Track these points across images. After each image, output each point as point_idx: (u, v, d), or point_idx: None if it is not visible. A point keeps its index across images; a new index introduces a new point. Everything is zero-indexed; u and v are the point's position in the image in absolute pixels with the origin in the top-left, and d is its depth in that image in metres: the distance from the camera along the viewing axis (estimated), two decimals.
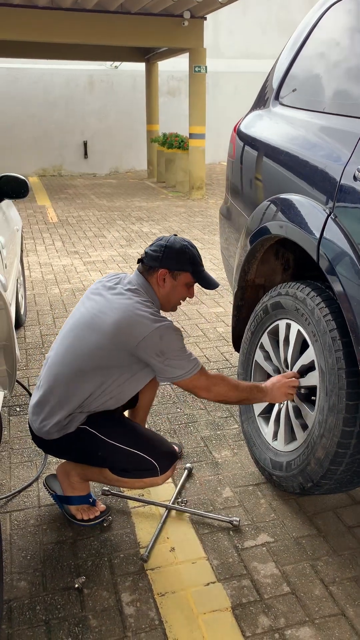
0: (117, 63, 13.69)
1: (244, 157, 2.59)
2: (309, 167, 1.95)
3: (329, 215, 1.76)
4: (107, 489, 2.15)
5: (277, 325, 2.14)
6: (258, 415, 2.27)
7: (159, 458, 1.87)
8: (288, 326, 2.06)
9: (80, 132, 14.09)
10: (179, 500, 2.12)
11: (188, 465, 2.31)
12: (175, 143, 10.65)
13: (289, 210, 1.99)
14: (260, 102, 2.67)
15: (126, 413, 2.26)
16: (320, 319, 1.82)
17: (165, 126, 13.12)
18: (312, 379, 1.92)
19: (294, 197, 1.99)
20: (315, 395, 1.90)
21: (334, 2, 2.23)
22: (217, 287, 1.95)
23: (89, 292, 1.97)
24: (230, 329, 2.57)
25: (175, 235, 1.94)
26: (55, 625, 1.62)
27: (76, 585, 1.74)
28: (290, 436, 2.06)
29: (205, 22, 9.55)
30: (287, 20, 14.88)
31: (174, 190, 10.85)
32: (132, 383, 1.89)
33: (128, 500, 2.13)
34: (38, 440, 1.94)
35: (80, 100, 13.94)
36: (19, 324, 3.78)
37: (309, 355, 1.93)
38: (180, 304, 1.99)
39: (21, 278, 3.86)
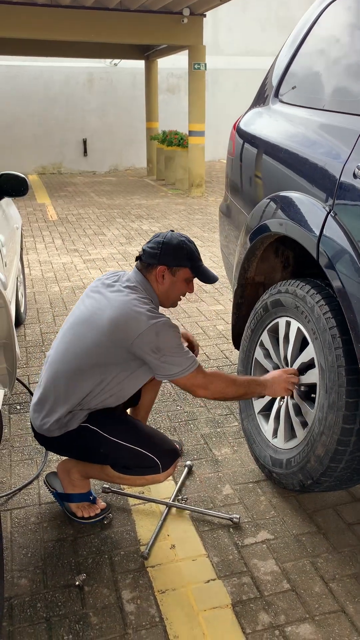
0: (116, 60, 13.67)
1: (243, 154, 2.59)
2: (309, 165, 1.95)
3: (328, 213, 1.76)
4: (107, 486, 2.16)
5: (277, 322, 2.14)
6: (258, 413, 2.27)
7: (161, 455, 1.87)
8: (288, 324, 2.06)
9: (80, 129, 14.07)
10: (179, 497, 2.13)
11: (188, 462, 2.31)
12: (175, 140, 10.64)
13: (289, 208, 1.99)
14: (260, 99, 2.67)
15: (128, 411, 2.26)
16: (320, 316, 1.82)
17: (164, 124, 13.11)
18: (312, 376, 1.92)
19: (293, 195, 1.99)
20: (315, 393, 1.90)
21: None
22: (216, 280, 1.95)
23: (88, 290, 1.98)
24: (230, 326, 2.58)
25: (172, 231, 1.94)
26: (56, 622, 1.62)
27: (77, 583, 1.74)
28: (290, 434, 2.07)
29: (204, 19, 9.53)
30: (286, 17, 14.85)
31: (174, 188, 10.84)
32: (132, 381, 1.89)
33: (128, 497, 2.14)
34: (40, 437, 1.95)
35: (79, 98, 13.92)
36: (19, 322, 3.78)
37: (309, 352, 1.93)
38: (180, 299, 1.99)
39: (21, 276, 3.86)
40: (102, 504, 2.05)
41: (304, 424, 1.97)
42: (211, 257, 5.66)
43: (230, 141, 2.78)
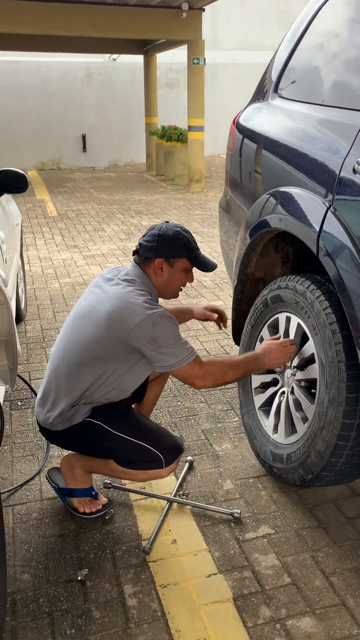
0: (115, 55, 13.61)
1: (243, 150, 2.59)
2: (309, 160, 1.95)
3: (328, 208, 1.76)
4: (109, 481, 2.17)
5: (277, 318, 2.14)
6: (258, 408, 2.28)
7: (164, 450, 1.88)
8: (288, 319, 2.06)
9: (79, 125, 14.03)
10: (181, 492, 2.14)
11: (189, 458, 2.32)
12: (174, 136, 10.61)
13: (289, 204, 1.99)
14: (259, 94, 2.66)
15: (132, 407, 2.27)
16: (320, 312, 1.83)
17: (164, 119, 13.07)
18: (312, 371, 1.93)
19: (293, 190, 1.99)
20: (315, 388, 1.91)
21: None
22: (215, 268, 1.95)
23: (90, 285, 1.99)
24: (230, 322, 2.57)
25: (167, 222, 1.94)
26: (58, 617, 1.63)
27: (79, 578, 1.75)
28: (291, 429, 2.07)
29: (203, 13, 9.49)
30: (286, 11, 14.78)
31: (173, 184, 10.82)
32: (132, 374, 1.90)
33: (130, 493, 2.15)
34: (44, 431, 1.96)
35: (78, 93, 13.87)
36: (19, 318, 3.79)
37: (309, 348, 1.93)
38: (181, 290, 1.99)
39: (21, 272, 3.86)
40: (103, 499, 2.06)
41: (305, 419, 1.98)
42: (211, 252, 5.65)
43: (230, 136, 2.78)
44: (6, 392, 2.87)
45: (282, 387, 2.16)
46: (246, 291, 2.48)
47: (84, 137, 14.10)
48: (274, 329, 2.19)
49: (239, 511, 2.01)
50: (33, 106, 13.53)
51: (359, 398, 1.73)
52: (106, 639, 1.56)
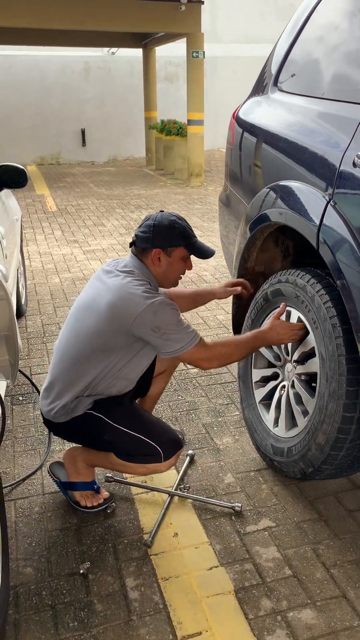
0: (113, 49, 13.55)
1: (242, 144, 2.58)
2: (308, 154, 1.95)
3: (328, 202, 1.76)
4: (110, 475, 2.18)
5: None
6: (259, 402, 2.29)
7: (163, 445, 1.89)
8: (288, 313, 2.07)
9: (78, 119, 13.98)
10: (182, 486, 2.15)
11: (190, 452, 2.33)
12: (174, 130, 10.57)
13: (289, 197, 1.99)
14: (259, 88, 2.66)
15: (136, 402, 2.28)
16: (320, 306, 1.83)
17: (163, 113, 13.02)
18: (313, 365, 1.93)
19: (293, 184, 1.99)
20: (315, 382, 1.91)
21: None
22: (213, 254, 1.95)
23: (91, 278, 2.01)
24: (230, 316, 2.58)
25: (162, 211, 1.94)
26: (61, 610, 1.64)
27: (81, 571, 1.77)
28: (291, 422, 2.08)
29: (202, 6, 9.43)
30: (285, 4, 14.69)
31: (173, 178, 10.80)
32: (137, 360, 1.91)
33: (131, 487, 2.16)
34: (48, 423, 1.98)
35: (76, 88, 13.81)
36: (20, 313, 3.79)
37: (309, 342, 1.94)
38: (180, 278, 1.99)
39: (21, 268, 3.86)
40: (105, 493, 2.07)
41: (305, 413, 1.99)
42: (211, 246, 5.64)
43: (230, 130, 2.77)
44: (7, 387, 2.88)
45: (282, 381, 2.16)
46: None
47: (83, 132, 14.05)
48: None
49: (239, 504, 2.02)
50: (31, 100, 13.48)
51: (359, 391, 1.74)
52: (109, 631, 1.57)
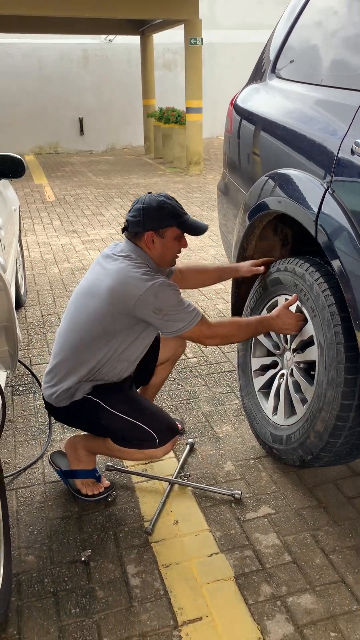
0: (111, 36, 13.41)
1: (241, 131, 2.57)
2: (307, 142, 1.94)
3: (326, 190, 1.75)
4: (111, 464, 2.19)
5: (277, 301, 2.15)
6: (258, 391, 2.29)
7: (158, 430, 1.91)
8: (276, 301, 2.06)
9: (76, 108, 13.87)
10: (182, 474, 2.16)
11: (190, 440, 2.34)
12: (172, 118, 10.49)
13: (287, 186, 1.98)
14: (257, 75, 2.63)
15: (138, 390, 2.29)
16: (319, 294, 1.83)
17: (162, 100, 12.91)
18: (311, 353, 1.94)
19: (291, 172, 1.98)
20: (314, 370, 1.92)
21: None
22: (206, 229, 1.94)
23: (93, 263, 2.02)
24: (229, 305, 2.58)
25: (150, 192, 1.93)
26: (63, 596, 1.66)
27: (82, 559, 1.78)
28: (290, 410, 2.09)
29: None
30: None
31: (172, 166, 10.74)
32: (138, 342, 1.94)
33: (132, 475, 2.17)
34: (49, 407, 2.00)
35: (74, 76, 13.69)
36: (19, 304, 3.79)
37: (308, 330, 1.94)
38: (177, 257, 1.99)
39: (20, 258, 3.86)
40: (106, 482, 2.08)
41: (304, 401, 2.00)
42: (210, 235, 5.63)
43: (228, 118, 2.76)
44: (7, 377, 2.89)
45: (281, 369, 2.17)
46: None
47: (81, 120, 13.95)
48: None
49: (239, 492, 2.04)
50: (29, 89, 13.36)
51: (358, 379, 1.74)
52: (110, 617, 1.59)
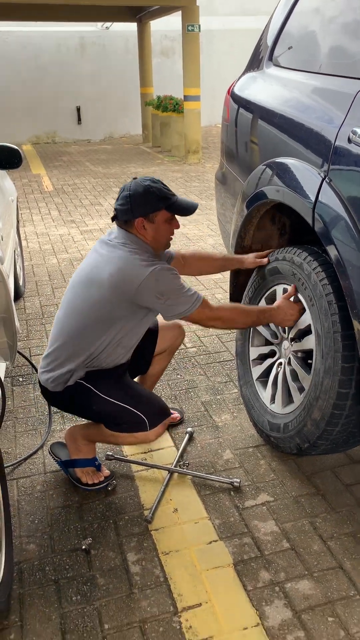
0: (107, 24, 13.27)
1: (238, 120, 2.55)
2: (304, 130, 1.93)
3: (323, 179, 1.75)
4: (111, 454, 2.21)
5: (275, 290, 2.15)
6: (256, 380, 2.31)
7: (147, 413, 1.92)
8: (285, 291, 2.07)
9: (73, 97, 13.77)
10: (181, 463, 2.18)
11: (189, 429, 2.36)
12: (170, 106, 10.41)
13: (285, 175, 1.98)
14: (254, 62, 2.62)
15: (137, 379, 2.30)
16: (316, 283, 1.83)
17: (160, 88, 12.81)
18: (309, 342, 1.95)
19: (289, 161, 1.98)
20: (311, 359, 1.93)
21: None
22: (196, 208, 1.94)
23: (90, 250, 2.03)
24: (228, 295, 2.59)
25: (135, 178, 1.92)
26: (64, 584, 1.68)
27: (83, 547, 1.80)
28: (288, 399, 2.10)
29: None
30: None
31: (170, 155, 10.68)
32: (138, 328, 1.96)
33: (131, 464, 2.19)
34: (44, 391, 2.02)
35: (71, 64, 13.57)
36: (18, 295, 3.79)
37: (306, 319, 1.95)
38: (171, 239, 1.98)
39: (18, 249, 3.85)
40: (106, 471, 2.10)
41: (301, 389, 2.01)
42: (209, 225, 5.62)
43: (225, 106, 2.74)
44: (7, 368, 2.90)
45: (279, 358, 2.18)
46: None
47: (78, 109, 13.85)
48: (272, 301, 2.20)
49: (238, 480, 2.05)
50: (25, 78, 13.25)
51: (354, 368, 1.75)
52: (111, 604, 1.61)
